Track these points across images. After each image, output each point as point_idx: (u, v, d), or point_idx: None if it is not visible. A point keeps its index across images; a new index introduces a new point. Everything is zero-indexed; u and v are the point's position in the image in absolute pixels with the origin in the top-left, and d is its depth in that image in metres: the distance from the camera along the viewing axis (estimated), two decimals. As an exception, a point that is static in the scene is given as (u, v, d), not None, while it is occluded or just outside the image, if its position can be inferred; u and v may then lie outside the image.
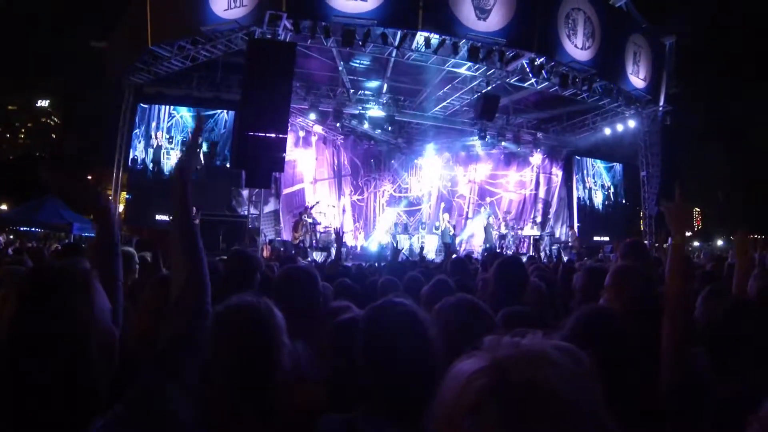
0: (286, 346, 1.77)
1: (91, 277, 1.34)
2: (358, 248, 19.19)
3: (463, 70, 15.52)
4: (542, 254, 16.08)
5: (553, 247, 18.48)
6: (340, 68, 16.67)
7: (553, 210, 22.08)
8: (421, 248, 10.70)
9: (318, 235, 17.00)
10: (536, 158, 22.08)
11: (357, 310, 2.42)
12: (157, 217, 15.99)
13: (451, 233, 18.38)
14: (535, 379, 0.71)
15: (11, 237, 21.86)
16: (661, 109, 17.72)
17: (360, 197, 21.75)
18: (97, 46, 18.53)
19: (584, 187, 22.44)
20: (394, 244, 14.42)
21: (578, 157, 22.21)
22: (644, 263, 3.49)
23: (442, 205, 22.11)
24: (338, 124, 18.81)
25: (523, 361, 0.73)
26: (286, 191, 18.36)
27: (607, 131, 19.13)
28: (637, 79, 17.03)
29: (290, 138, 14.94)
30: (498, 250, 16.50)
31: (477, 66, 14.84)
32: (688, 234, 2.65)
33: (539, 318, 2.91)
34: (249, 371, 1.69)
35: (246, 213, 15.62)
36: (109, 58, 17.89)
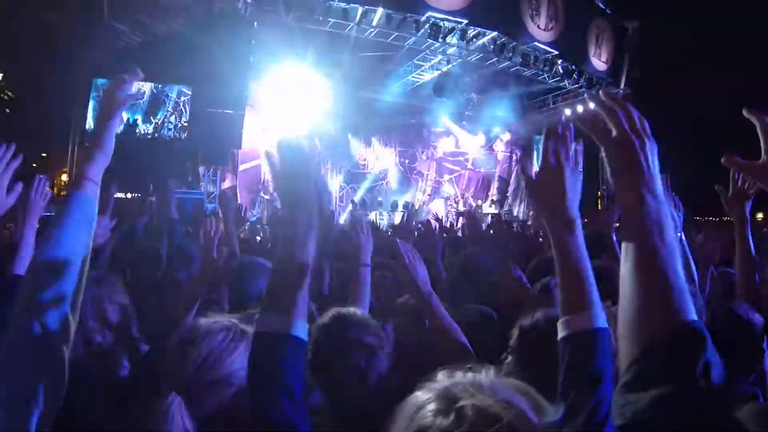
0: None
1: None
2: None
3: (423, 48, 15.41)
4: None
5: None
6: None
7: (511, 188, 22.21)
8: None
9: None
10: (495, 136, 22.24)
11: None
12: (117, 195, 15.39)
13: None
14: (481, 404, 0.77)
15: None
16: (621, 91, 17.95)
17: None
18: (50, 19, 17.82)
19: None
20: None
21: (538, 137, 22.27)
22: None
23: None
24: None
25: (472, 389, 0.80)
26: (242, 167, 17.83)
27: (567, 112, 19.24)
28: (598, 61, 17.24)
29: (248, 113, 14.57)
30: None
31: (438, 44, 14.74)
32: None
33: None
34: None
35: (203, 190, 15.25)
36: (62, 33, 17.19)
